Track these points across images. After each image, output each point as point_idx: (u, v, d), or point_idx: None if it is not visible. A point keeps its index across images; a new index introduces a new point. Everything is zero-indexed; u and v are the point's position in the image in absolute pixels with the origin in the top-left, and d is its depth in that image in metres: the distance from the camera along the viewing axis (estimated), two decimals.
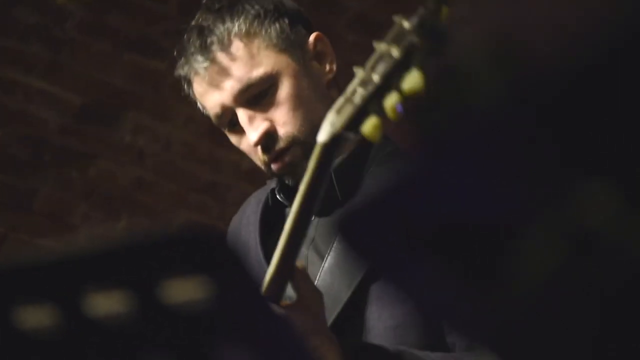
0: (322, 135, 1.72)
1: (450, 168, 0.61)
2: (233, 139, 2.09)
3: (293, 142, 2.01)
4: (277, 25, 2.04)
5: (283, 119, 2.01)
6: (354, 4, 4.24)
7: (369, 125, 1.66)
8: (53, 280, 0.82)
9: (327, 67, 2.09)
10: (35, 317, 0.81)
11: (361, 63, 1.70)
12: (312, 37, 2.08)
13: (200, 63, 2.02)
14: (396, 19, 1.65)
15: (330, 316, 1.91)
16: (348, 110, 1.69)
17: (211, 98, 2.04)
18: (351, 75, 1.86)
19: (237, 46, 2.01)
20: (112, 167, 4.45)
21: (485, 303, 0.64)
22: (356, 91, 1.68)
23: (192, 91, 2.09)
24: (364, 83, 1.67)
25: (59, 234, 4.42)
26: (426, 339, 1.90)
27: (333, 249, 1.99)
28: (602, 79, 0.61)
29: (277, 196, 2.11)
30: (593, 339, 0.68)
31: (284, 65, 2.03)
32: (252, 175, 4.08)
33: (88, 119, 4.32)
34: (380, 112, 1.65)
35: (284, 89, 2.02)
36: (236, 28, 2.01)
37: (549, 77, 0.58)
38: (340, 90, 1.76)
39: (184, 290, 0.85)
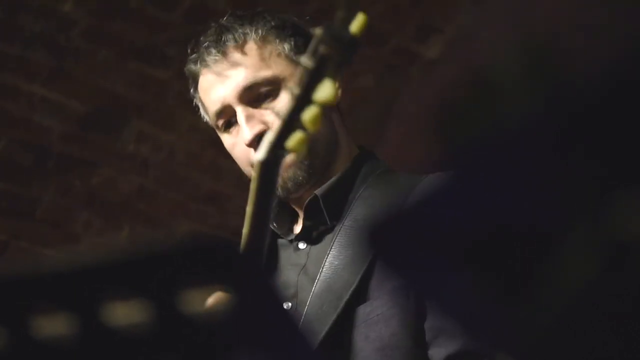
0: (260, 153, 1.71)
1: (484, 180, 0.60)
2: (227, 141, 2.12)
3: None
4: (292, 40, 2.08)
5: None
6: None
7: (293, 140, 1.65)
8: (70, 289, 0.81)
9: None
10: (53, 325, 0.80)
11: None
12: None
13: (212, 55, 2.07)
14: (315, 29, 1.65)
15: (318, 338, 1.91)
16: (277, 127, 1.69)
17: (215, 92, 2.08)
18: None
19: (251, 47, 2.07)
20: (114, 175, 4.45)
21: (516, 314, 0.63)
22: (286, 107, 1.68)
23: (198, 89, 2.13)
24: (291, 98, 1.67)
25: (60, 242, 4.42)
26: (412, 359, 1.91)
27: (323, 272, 2.00)
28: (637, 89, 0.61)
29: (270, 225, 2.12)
30: (622, 352, 0.68)
31: (290, 74, 2.04)
32: None
33: (91, 127, 4.32)
34: (302, 126, 1.64)
35: (285, 97, 2.02)
36: (253, 32, 2.07)
37: (585, 86, 0.57)
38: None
39: (198, 300, 0.85)
